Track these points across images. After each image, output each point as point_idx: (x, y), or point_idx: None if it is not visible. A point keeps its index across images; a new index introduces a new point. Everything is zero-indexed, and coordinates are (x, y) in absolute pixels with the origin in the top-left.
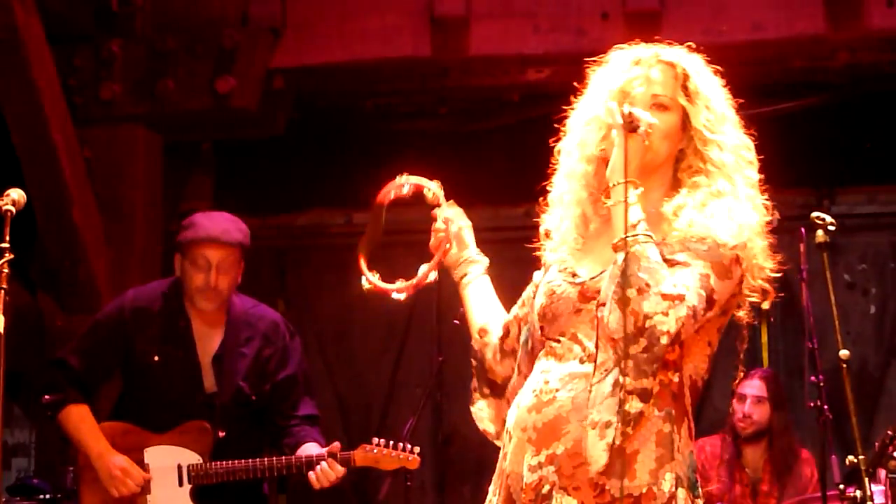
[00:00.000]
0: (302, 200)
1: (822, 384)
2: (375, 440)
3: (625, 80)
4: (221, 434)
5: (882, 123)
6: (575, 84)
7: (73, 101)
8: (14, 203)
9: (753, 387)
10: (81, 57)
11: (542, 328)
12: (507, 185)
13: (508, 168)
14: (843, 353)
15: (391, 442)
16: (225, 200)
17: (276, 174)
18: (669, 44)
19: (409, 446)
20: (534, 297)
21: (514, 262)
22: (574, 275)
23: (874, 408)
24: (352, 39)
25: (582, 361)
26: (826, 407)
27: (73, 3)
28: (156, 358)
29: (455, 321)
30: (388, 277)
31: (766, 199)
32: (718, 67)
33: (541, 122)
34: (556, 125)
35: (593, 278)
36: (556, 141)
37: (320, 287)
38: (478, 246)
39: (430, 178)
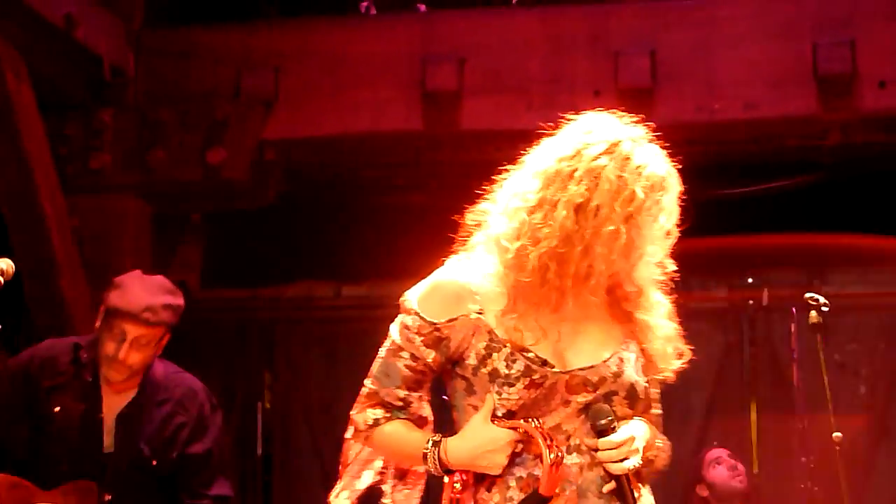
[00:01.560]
0: (291, 272)
1: (812, 465)
2: None
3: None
4: (107, 497)
5: (875, 203)
6: None
7: (63, 170)
8: (2, 273)
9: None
10: (72, 126)
11: (511, 413)
12: None
13: None
14: (836, 435)
15: None
16: (214, 271)
17: (265, 246)
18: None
19: None
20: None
21: None
22: (547, 363)
23: (864, 489)
24: (344, 112)
25: (570, 452)
26: (817, 489)
27: (66, 72)
28: (56, 409)
29: (444, 397)
30: None
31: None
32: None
33: None
34: None
35: (583, 369)
36: None
37: (308, 360)
38: None
39: (421, 254)
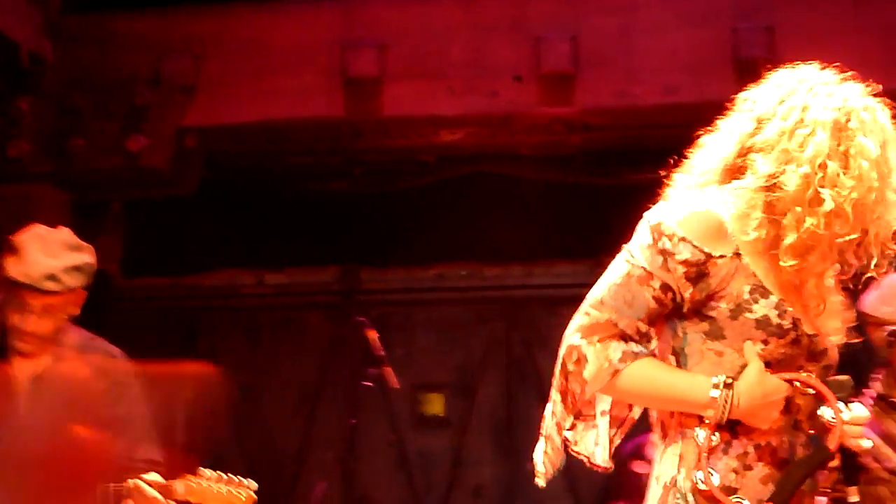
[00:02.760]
0: (213, 261)
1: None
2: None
3: None
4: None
5: None
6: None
7: None
8: None
9: None
10: None
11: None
12: (421, 247)
13: (422, 229)
14: None
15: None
16: (135, 260)
17: (186, 234)
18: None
19: (246, 480)
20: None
21: (426, 323)
22: (799, 322)
23: None
24: (265, 99)
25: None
26: None
27: None
28: None
29: (367, 383)
30: None
31: None
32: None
33: (455, 182)
34: (464, 185)
35: (827, 338)
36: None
37: (230, 348)
38: (390, 307)
39: (345, 239)
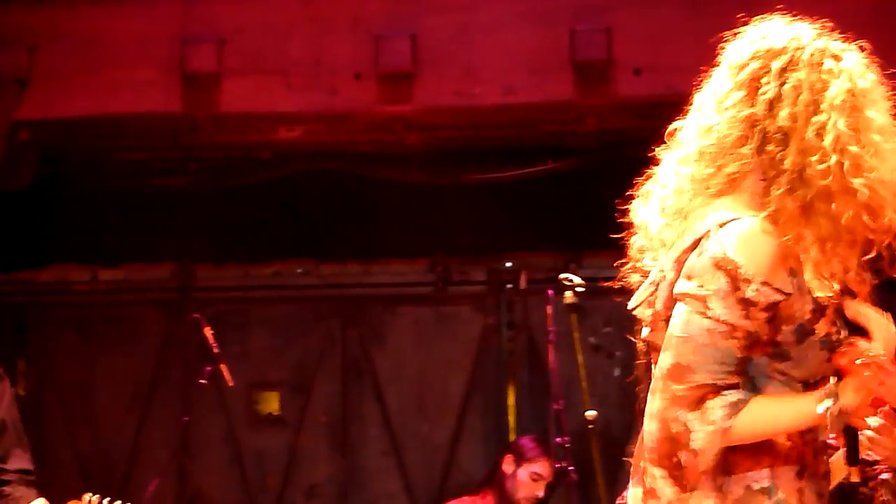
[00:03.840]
0: (45, 256)
1: (568, 445)
2: (87, 497)
3: None
4: None
5: (628, 188)
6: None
7: None
8: None
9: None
10: None
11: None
12: (257, 244)
13: (259, 226)
14: (590, 413)
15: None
16: None
17: (19, 229)
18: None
19: None
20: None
21: (262, 321)
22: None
23: (618, 470)
24: (101, 93)
25: None
26: (572, 468)
27: None
28: None
29: (202, 381)
30: None
31: None
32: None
33: (292, 179)
34: (302, 183)
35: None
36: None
37: (63, 344)
38: (226, 305)
39: (181, 236)
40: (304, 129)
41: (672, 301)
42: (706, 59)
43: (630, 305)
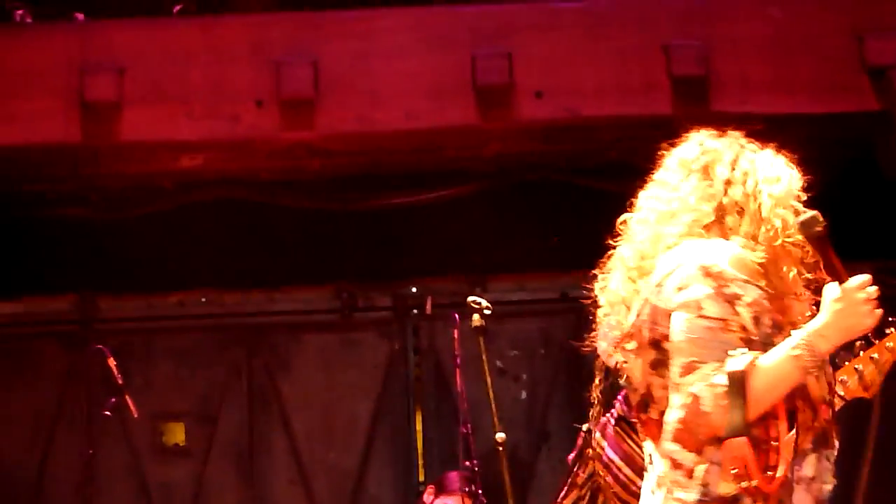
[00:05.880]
0: None
1: (476, 469)
2: None
3: None
4: None
5: (531, 211)
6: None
7: None
8: None
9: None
10: None
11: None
12: (160, 274)
13: (161, 256)
14: (500, 435)
15: None
16: None
17: None
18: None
19: None
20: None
21: (166, 351)
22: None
23: (526, 492)
24: None
25: None
26: (480, 492)
27: None
28: None
29: (106, 412)
30: None
31: None
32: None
33: (195, 208)
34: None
35: None
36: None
37: None
38: (129, 336)
39: (82, 267)
40: (205, 157)
41: (656, 316)
42: (606, 81)
43: (620, 360)
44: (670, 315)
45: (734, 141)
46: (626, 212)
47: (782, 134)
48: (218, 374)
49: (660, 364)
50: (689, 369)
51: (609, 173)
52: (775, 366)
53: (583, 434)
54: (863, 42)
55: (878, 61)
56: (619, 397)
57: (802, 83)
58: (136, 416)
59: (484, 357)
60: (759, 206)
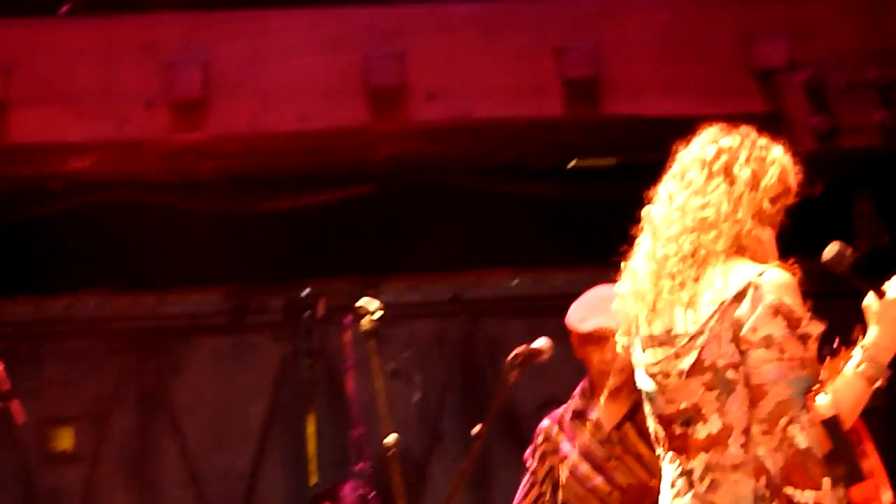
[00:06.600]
0: None
1: (368, 472)
2: None
3: None
4: None
5: (424, 213)
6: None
7: None
8: None
9: None
10: None
11: None
12: (48, 277)
13: (49, 259)
14: (390, 439)
15: None
16: None
17: None
18: None
19: None
20: None
21: (55, 355)
22: None
23: (419, 494)
24: None
25: None
26: (373, 494)
27: None
28: None
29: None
30: None
31: None
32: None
33: (84, 210)
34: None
35: None
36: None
37: None
38: (17, 340)
39: None
40: (94, 158)
41: (720, 342)
42: (498, 83)
43: (650, 362)
44: (736, 344)
45: (747, 137)
46: (519, 215)
47: (673, 136)
48: (108, 378)
49: (717, 387)
50: (777, 411)
51: (501, 175)
52: (850, 389)
53: (539, 431)
54: (751, 45)
55: (766, 64)
56: (576, 391)
57: (692, 85)
58: (22, 421)
59: (375, 360)
60: (769, 207)
